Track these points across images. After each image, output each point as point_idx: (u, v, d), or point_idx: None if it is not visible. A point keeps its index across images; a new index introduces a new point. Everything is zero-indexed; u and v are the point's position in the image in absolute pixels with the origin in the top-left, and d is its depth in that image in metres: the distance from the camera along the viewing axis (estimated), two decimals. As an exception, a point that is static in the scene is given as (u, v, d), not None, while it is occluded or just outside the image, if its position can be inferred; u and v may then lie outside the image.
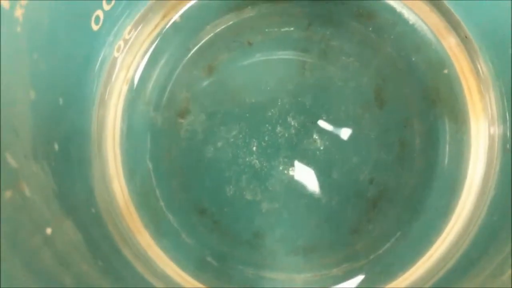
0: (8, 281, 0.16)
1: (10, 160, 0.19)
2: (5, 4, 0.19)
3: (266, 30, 0.30)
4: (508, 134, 0.28)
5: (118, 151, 0.30)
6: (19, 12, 0.20)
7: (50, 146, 0.23)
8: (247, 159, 0.29)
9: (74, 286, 0.19)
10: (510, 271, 0.22)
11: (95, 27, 0.25)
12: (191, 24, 0.30)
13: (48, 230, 0.19)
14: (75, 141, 0.26)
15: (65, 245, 0.21)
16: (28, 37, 0.20)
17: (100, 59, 0.28)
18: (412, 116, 0.29)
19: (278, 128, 0.29)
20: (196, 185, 0.30)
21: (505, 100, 0.27)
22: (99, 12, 0.25)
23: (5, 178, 0.18)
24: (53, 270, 0.19)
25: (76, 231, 0.22)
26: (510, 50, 0.26)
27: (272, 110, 0.29)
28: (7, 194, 0.18)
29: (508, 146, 0.28)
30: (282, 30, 0.30)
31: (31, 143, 0.21)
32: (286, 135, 0.29)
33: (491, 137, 0.29)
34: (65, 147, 0.24)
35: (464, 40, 0.29)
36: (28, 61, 0.21)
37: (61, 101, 0.24)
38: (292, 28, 0.30)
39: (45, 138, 0.22)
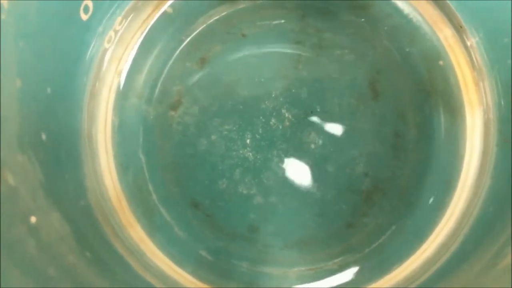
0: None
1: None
2: (-11, -9, 0.19)
3: (260, 22, 0.30)
4: (504, 125, 0.27)
5: (109, 144, 0.30)
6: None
7: (38, 137, 0.23)
8: (241, 152, 0.29)
9: (58, 276, 0.19)
10: (504, 262, 0.22)
11: (84, 17, 0.25)
12: (183, 15, 0.30)
13: (33, 219, 0.19)
14: (65, 133, 0.26)
15: (51, 236, 0.21)
16: (14, 24, 0.20)
17: (90, 50, 0.28)
18: (407, 108, 0.29)
19: (272, 121, 0.29)
20: (189, 179, 0.30)
21: (500, 90, 0.27)
22: (88, 2, 0.25)
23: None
24: (37, 259, 0.19)
25: (63, 223, 0.22)
26: (505, 39, 0.26)
27: (266, 103, 0.29)
28: (-11, 182, 0.18)
29: (504, 137, 0.28)
30: (276, 22, 0.30)
31: (16, 133, 0.21)
32: (281, 127, 0.29)
33: (486, 128, 0.29)
34: (54, 138, 0.24)
35: (459, 30, 0.29)
36: (14, 49, 0.21)
37: (49, 91, 0.24)
38: (286, 20, 0.30)
39: (32, 128, 0.22)
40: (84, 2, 0.25)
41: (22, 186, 0.20)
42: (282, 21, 0.30)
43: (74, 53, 0.26)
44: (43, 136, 0.23)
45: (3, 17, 0.19)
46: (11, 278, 0.17)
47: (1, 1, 0.19)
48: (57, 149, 0.25)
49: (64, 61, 0.25)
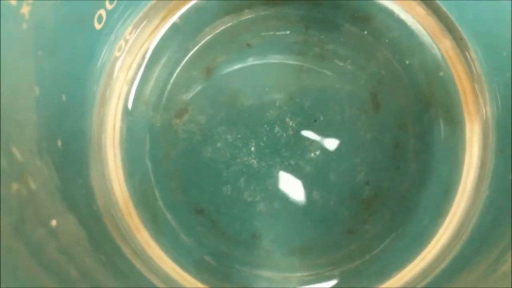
0: (15, 269, 0.16)
1: (16, 153, 0.19)
2: (12, 1, 0.19)
3: (264, 33, 0.30)
4: (502, 135, 0.28)
5: (117, 150, 0.30)
6: (25, 9, 0.20)
7: (54, 143, 0.23)
8: (245, 160, 0.29)
9: (78, 277, 0.19)
10: (502, 269, 0.22)
11: (97, 26, 0.25)
12: (190, 26, 0.30)
13: (53, 222, 0.20)
14: (77, 139, 0.27)
15: (69, 239, 0.21)
16: (34, 34, 0.21)
17: (101, 58, 0.28)
18: (407, 119, 0.30)
19: (276, 129, 0.30)
20: (194, 185, 0.30)
21: (499, 102, 0.28)
22: (102, 11, 0.25)
23: (12, 170, 0.18)
24: (59, 261, 0.19)
25: (79, 226, 0.23)
26: (504, 52, 0.26)
27: (270, 111, 0.30)
28: (14, 186, 0.18)
29: (501, 148, 0.28)
30: (280, 33, 0.30)
31: (35, 138, 0.21)
32: (284, 136, 0.29)
33: (485, 139, 0.29)
34: (68, 144, 0.25)
35: (459, 42, 0.29)
36: (33, 58, 0.21)
37: (64, 98, 0.24)
38: (289, 31, 0.30)
39: (49, 134, 0.22)
40: (98, 12, 0.25)
41: (42, 191, 0.20)
42: (286, 32, 0.30)
43: (87, 61, 0.26)
44: (59, 142, 0.23)
45: (24, 27, 0.20)
46: (37, 278, 0.17)
47: (23, 11, 0.20)
48: (70, 155, 0.25)
49: (78, 69, 0.26)
